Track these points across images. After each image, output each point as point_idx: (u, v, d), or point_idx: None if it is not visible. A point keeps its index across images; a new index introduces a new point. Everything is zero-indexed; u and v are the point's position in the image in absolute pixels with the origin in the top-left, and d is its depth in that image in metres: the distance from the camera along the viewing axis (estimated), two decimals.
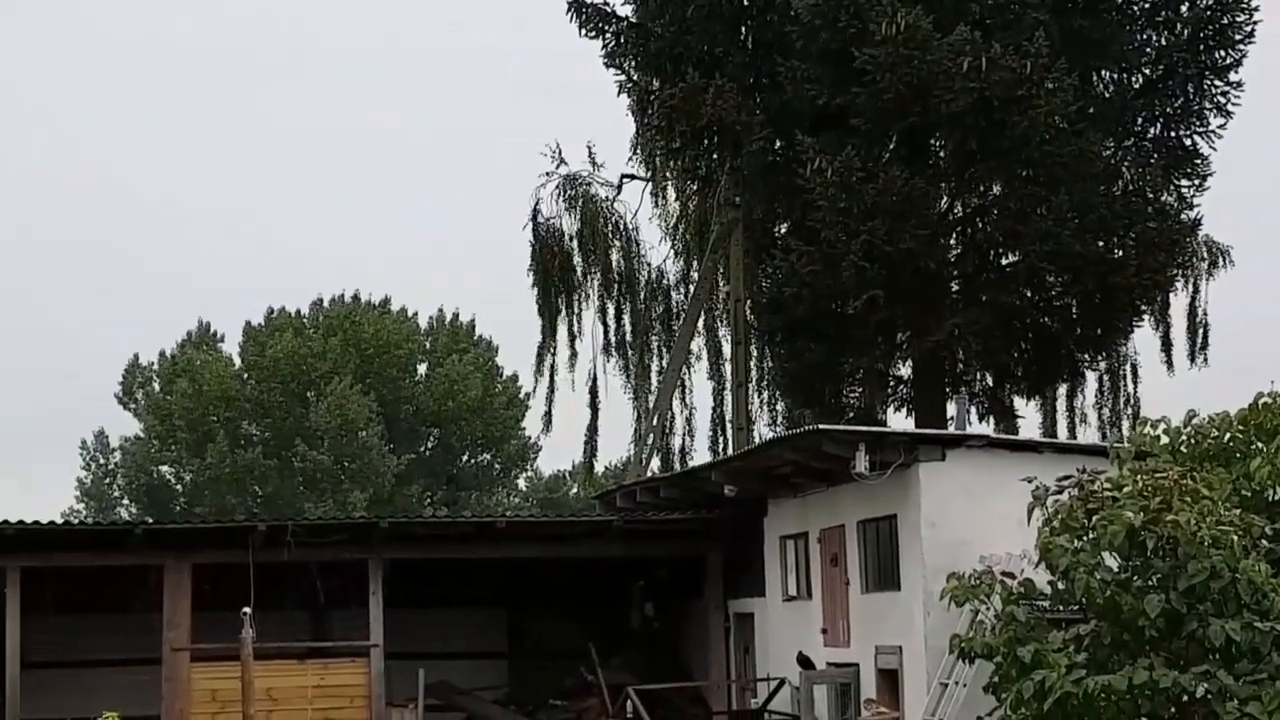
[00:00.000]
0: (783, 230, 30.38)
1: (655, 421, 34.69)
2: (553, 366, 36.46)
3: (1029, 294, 27.74)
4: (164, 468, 60.95)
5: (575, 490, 61.15)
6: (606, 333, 36.66)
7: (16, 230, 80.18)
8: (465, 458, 62.95)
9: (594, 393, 36.44)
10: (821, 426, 21.62)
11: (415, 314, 63.02)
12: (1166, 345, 33.94)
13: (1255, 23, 27.43)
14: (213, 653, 23.12)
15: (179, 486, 60.61)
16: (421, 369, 62.06)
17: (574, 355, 36.53)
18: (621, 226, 36.43)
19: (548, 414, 36.67)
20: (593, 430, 36.59)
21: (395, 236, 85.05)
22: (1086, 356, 29.89)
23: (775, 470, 22.85)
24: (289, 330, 59.70)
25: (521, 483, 65.51)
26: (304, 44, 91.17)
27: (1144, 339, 32.95)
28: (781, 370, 31.73)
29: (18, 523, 23.21)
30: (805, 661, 22.16)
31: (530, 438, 62.70)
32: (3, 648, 23.70)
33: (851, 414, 29.56)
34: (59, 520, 30.63)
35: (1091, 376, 32.66)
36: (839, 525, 22.13)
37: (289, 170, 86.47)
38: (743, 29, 30.05)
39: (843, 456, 20.04)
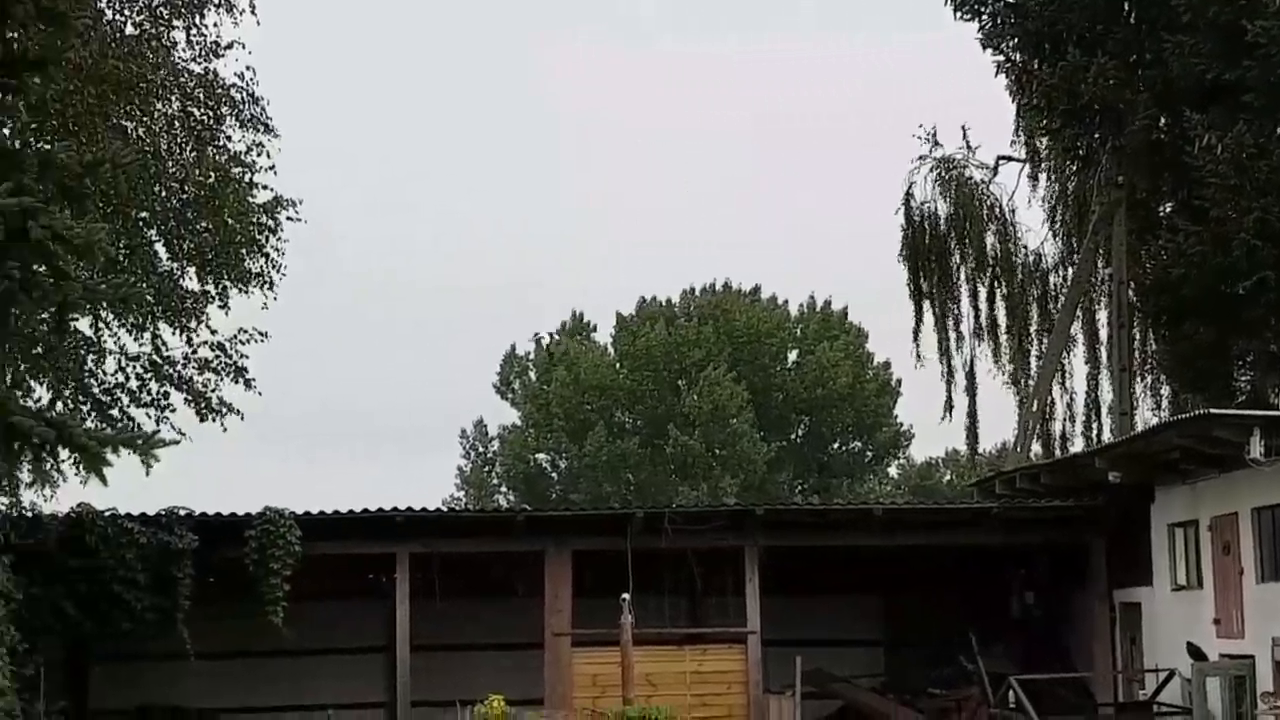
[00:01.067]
0: (1168, 209, 29.47)
1: (1035, 407, 33.96)
2: (923, 352, 36.11)
3: None
4: (540, 455, 62.58)
5: (948, 478, 60.41)
6: (978, 316, 36.13)
7: (401, 216, 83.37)
8: (836, 445, 62.77)
9: (971, 377, 35.97)
10: (1213, 411, 20.79)
11: (785, 301, 63.15)
12: None
13: None
14: (593, 638, 23.62)
15: (554, 474, 62.18)
16: (792, 356, 62.11)
17: (946, 340, 36.07)
18: (997, 209, 35.85)
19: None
20: (972, 416, 36.12)
21: (765, 224, 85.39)
22: None
23: (1163, 456, 22.16)
24: (660, 320, 60.59)
25: (893, 470, 64.96)
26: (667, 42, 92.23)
27: None
28: (1167, 353, 30.76)
29: (406, 510, 24.15)
30: (1196, 653, 21.42)
31: (903, 425, 62.25)
32: (394, 631, 24.75)
33: (1242, 398, 28.42)
34: (441, 508, 31.80)
35: None
36: (1232, 513, 21.40)
37: (658, 161, 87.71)
38: (1124, 5, 29.29)
39: (1235, 441, 19.31)
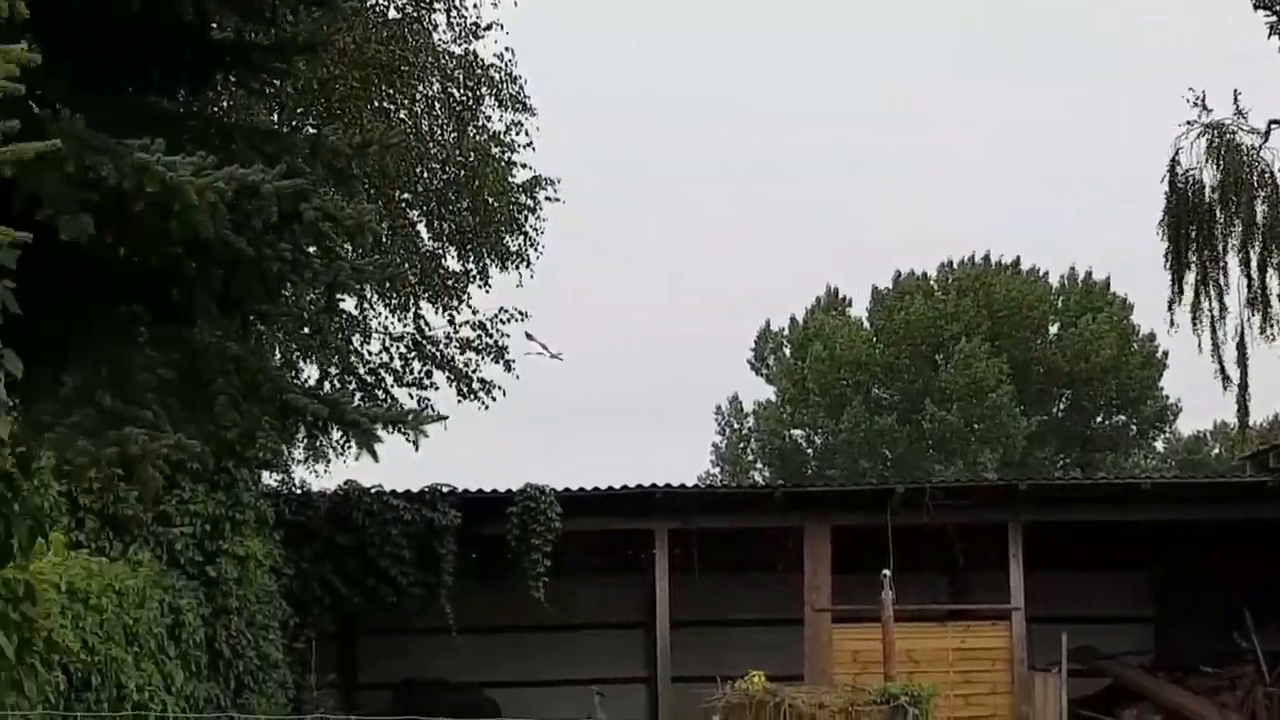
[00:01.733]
0: None
1: None
2: (1191, 321, 35.00)
3: None
4: (796, 431, 62.60)
5: (1217, 451, 58.70)
6: (1249, 286, 34.91)
7: (657, 196, 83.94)
8: (1099, 419, 61.46)
9: (1241, 348, 34.79)
10: None
11: (1046, 273, 61.97)
12: None
13: None
14: (853, 614, 23.54)
15: (809, 450, 62.13)
16: (1053, 329, 60.95)
17: (1212, 310, 34.95)
18: (1267, 175, 34.60)
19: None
20: (1242, 388, 34.92)
21: (1024, 195, 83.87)
22: None
23: None
24: (918, 293, 60.07)
25: (1159, 444, 63.33)
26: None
27: None
28: None
29: (665, 486, 24.37)
30: None
31: (1169, 398, 60.67)
32: (653, 607, 25.01)
33: None
34: (699, 484, 32.02)
35: None
36: None
37: (912, 132, 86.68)
38: None
39: None
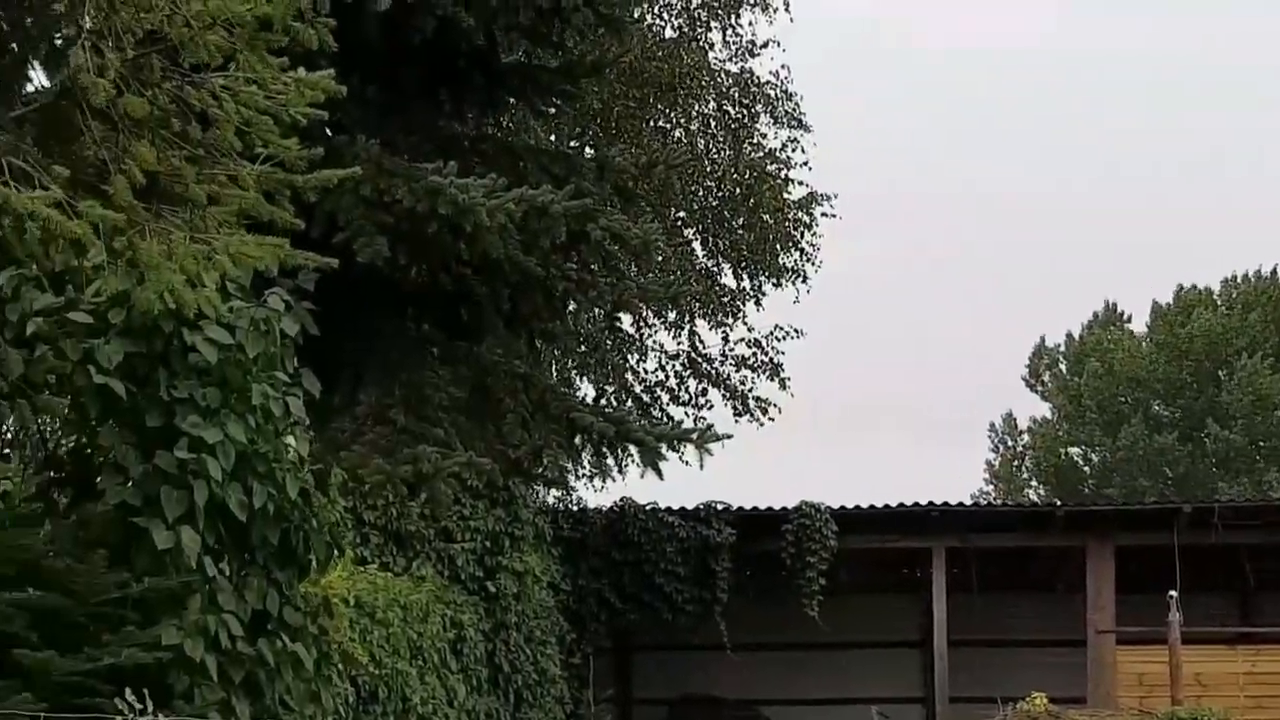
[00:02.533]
0: None
1: None
2: None
3: None
4: (1073, 449, 61.13)
5: None
6: None
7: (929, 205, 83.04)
8: None
9: None
10: None
11: None
12: None
13: None
14: (1138, 636, 22.83)
15: (1086, 468, 60.61)
16: None
17: None
18: None
19: None
20: None
21: None
22: None
23: None
24: (1201, 307, 58.18)
25: None
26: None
27: None
28: None
29: (942, 505, 24.01)
30: None
31: None
32: (930, 625, 24.63)
33: None
34: (973, 502, 31.47)
35: None
36: None
37: (1191, 147, 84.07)
38: None
39: None
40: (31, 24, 5.69)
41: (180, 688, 8.39)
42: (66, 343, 8.84)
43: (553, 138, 21.60)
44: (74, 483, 9.53)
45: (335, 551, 10.50)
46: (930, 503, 23.94)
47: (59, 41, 5.73)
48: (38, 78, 6.74)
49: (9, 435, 10.55)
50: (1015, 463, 64.51)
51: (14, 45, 5.98)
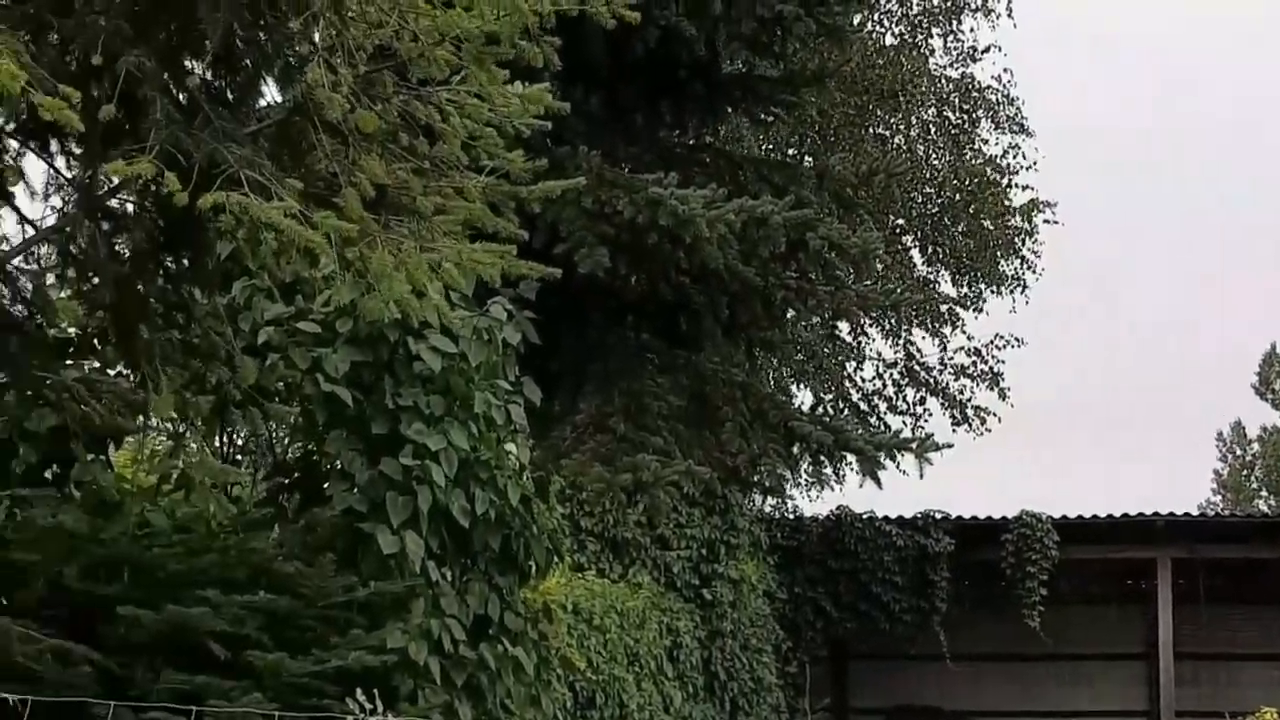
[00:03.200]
0: None
1: None
2: None
3: None
4: None
5: None
6: None
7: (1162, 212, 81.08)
8: None
9: None
10: None
11: None
12: None
13: None
14: None
15: None
16: None
17: None
18: None
19: None
20: None
21: None
22: None
23: None
24: None
25: None
26: None
27: None
28: None
29: (1167, 514, 23.38)
30: None
31: None
32: (1155, 638, 23.99)
33: None
34: (1199, 512, 30.60)
35: None
36: None
37: None
38: None
39: None
40: (265, 41, 5.79)
41: (405, 690, 8.51)
42: (296, 351, 9.04)
43: (770, 147, 21.52)
44: (302, 488, 9.74)
45: (555, 558, 10.57)
46: (1155, 513, 23.32)
47: (292, 59, 5.83)
48: (270, 94, 6.86)
49: (240, 441, 10.82)
50: (1245, 472, 62.62)
51: (248, 62, 6.09)
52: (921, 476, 12.22)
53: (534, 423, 10.47)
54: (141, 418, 8.42)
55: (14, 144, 6.83)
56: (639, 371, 12.96)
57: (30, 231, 7.03)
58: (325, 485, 9.35)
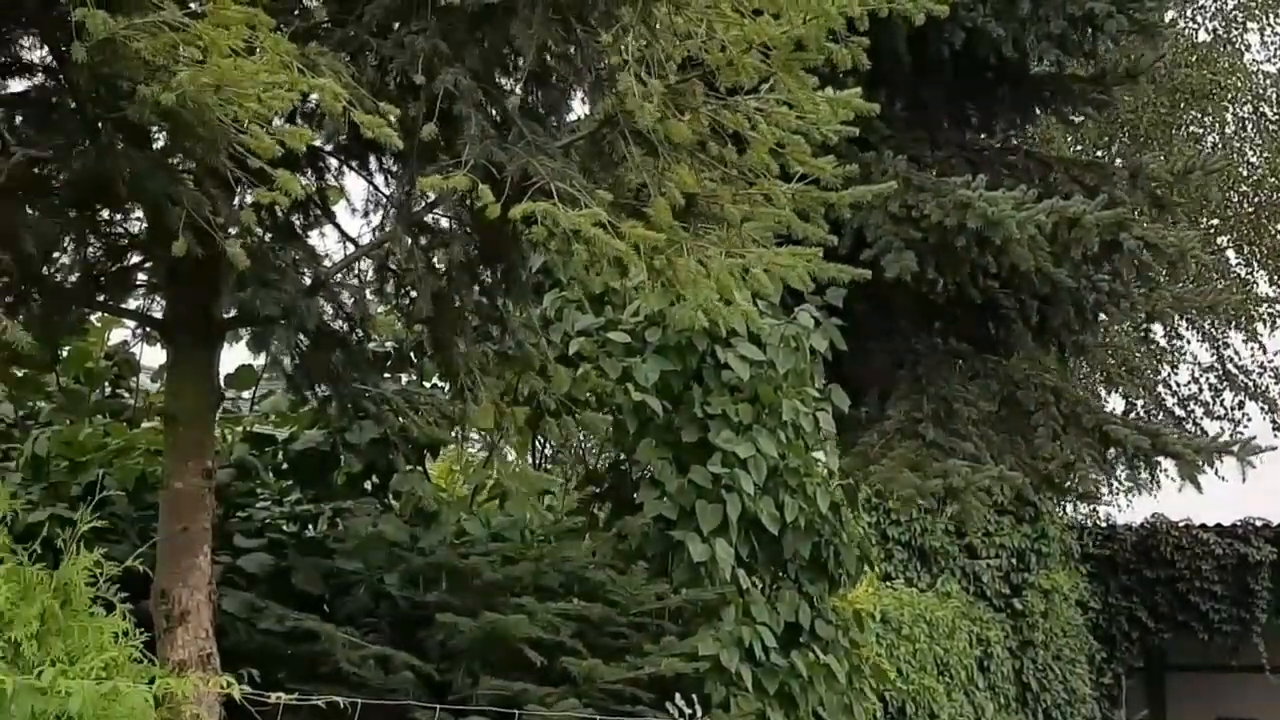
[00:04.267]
0: None
1: None
2: None
3: None
4: None
5: None
6: None
7: None
8: None
9: None
10: None
11: None
12: None
13: None
14: None
15: None
16: None
17: None
18: None
19: None
20: None
21: None
22: None
23: None
24: None
25: None
26: None
27: None
28: None
29: None
30: None
31: None
32: None
33: None
34: None
35: None
36: None
37: None
38: None
39: None
40: (577, 55, 5.79)
41: (717, 697, 8.47)
42: (606, 361, 9.09)
43: (1079, 147, 20.91)
44: (613, 497, 9.80)
45: (864, 565, 10.42)
46: None
47: (602, 71, 5.82)
48: (577, 108, 6.89)
49: (551, 451, 10.95)
50: None
51: (559, 77, 6.11)
52: (1244, 480, 11.67)
53: (842, 429, 10.34)
54: (458, 428, 8.55)
55: (334, 162, 7.01)
56: (948, 376, 12.69)
57: (350, 248, 7.21)
58: (635, 493, 9.39)
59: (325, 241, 7.75)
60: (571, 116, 6.78)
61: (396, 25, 5.95)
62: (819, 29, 5.47)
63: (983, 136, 13.79)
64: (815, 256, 5.98)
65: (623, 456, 9.92)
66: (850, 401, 10.54)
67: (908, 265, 11.23)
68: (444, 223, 6.55)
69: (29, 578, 4.79)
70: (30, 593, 4.71)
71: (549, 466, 10.70)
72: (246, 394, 9.56)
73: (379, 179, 7.11)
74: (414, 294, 6.45)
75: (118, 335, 9.51)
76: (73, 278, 6.86)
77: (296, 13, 6.11)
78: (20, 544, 5.11)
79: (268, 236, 6.42)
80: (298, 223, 6.74)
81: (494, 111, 5.88)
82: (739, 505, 8.96)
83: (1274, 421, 24.12)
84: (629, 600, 8.23)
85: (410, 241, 6.23)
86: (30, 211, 6.00)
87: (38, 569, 4.88)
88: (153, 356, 9.85)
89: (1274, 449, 12.19)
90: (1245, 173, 22.54)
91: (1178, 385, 24.61)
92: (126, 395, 9.68)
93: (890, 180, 10.18)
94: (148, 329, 7.11)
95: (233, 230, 5.60)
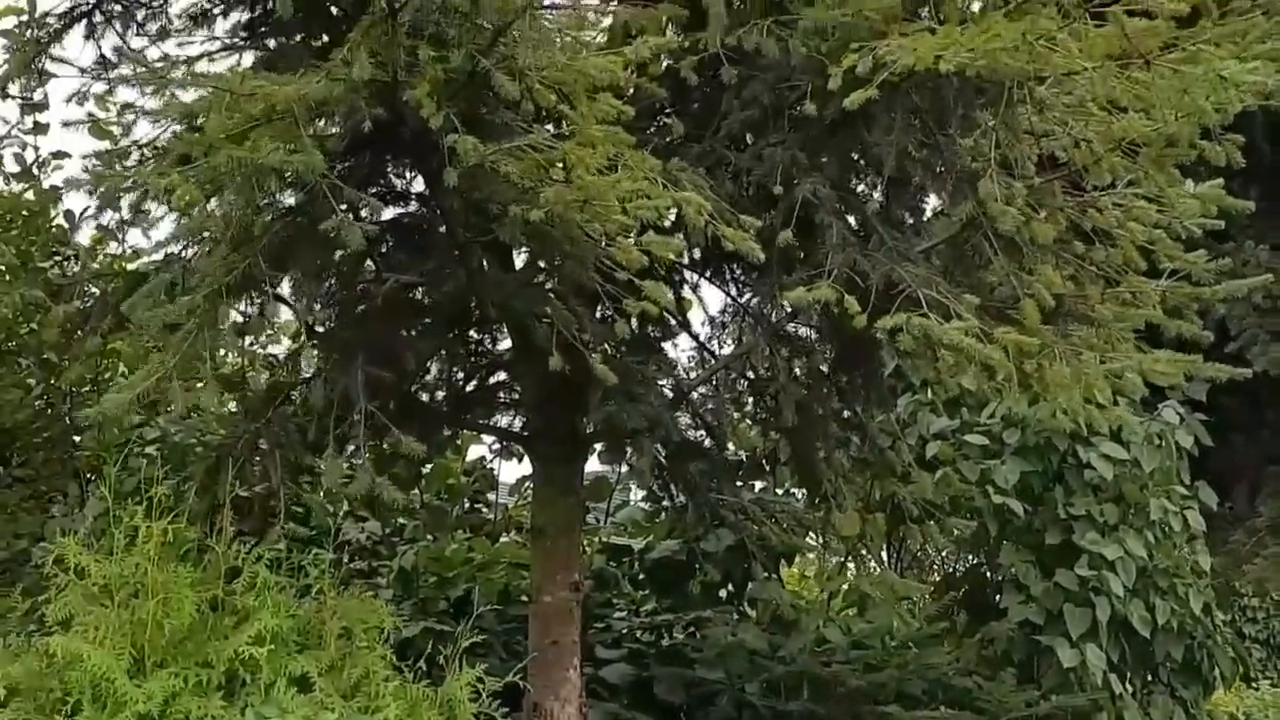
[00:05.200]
0: None
1: None
2: None
3: None
4: None
5: None
6: None
7: None
8: None
9: None
10: None
11: None
12: None
13: None
14: None
15: None
16: None
17: None
18: None
19: None
20: None
21: None
22: None
23: None
24: None
25: None
26: None
27: None
28: None
29: None
30: None
31: None
32: None
33: None
34: None
35: None
36: None
37: None
38: None
39: None
40: (935, 159, 5.66)
41: None
42: (964, 464, 8.87)
43: None
44: (973, 601, 9.54)
45: (1239, 667, 9.93)
46: None
47: (962, 174, 5.67)
48: (931, 207, 6.74)
49: (909, 556, 10.72)
50: None
51: (916, 178, 5.98)
52: None
53: (1210, 527, 9.88)
54: (817, 535, 8.43)
55: (690, 274, 7.01)
56: None
57: (705, 357, 7.19)
58: (997, 597, 9.13)
59: (678, 351, 7.77)
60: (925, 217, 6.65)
61: (752, 138, 5.92)
62: (1192, 125, 5.22)
63: None
64: (1194, 361, 5.69)
65: (981, 560, 9.66)
66: (1218, 498, 10.09)
67: (1275, 357, 10.69)
68: (803, 331, 6.48)
69: (415, 695, 4.84)
70: (418, 710, 4.76)
71: (907, 572, 10.46)
72: (602, 505, 9.64)
73: (732, 288, 7.09)
74: (773, 402, 6.38)
75: (474, 451, 9.76)
76: (441, 396, 7.03)
77: (653, 130, 6.15)
78: (399, 658, 5.19)
79: (625, 345, 6.44)
80: (654, 334, 6.75)
81: (853, 218, 5.79)
82: (1108, 608, 8.62)
83: None
84: (997, 708, 7.94)
85: (771, 351, 6.17)
86: (405, 334, 6.15)
87: (422, 686, 4.94)
88: (510, 471, 10.04)
89: None
90: None
91: None
92: (485, 510, 9.88)
93: (1259, 272, 9.71)
94: (512, 444, 7.22)
95: (596, 346, 5.63)
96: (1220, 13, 5.31)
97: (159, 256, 5.54)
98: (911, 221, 6.20)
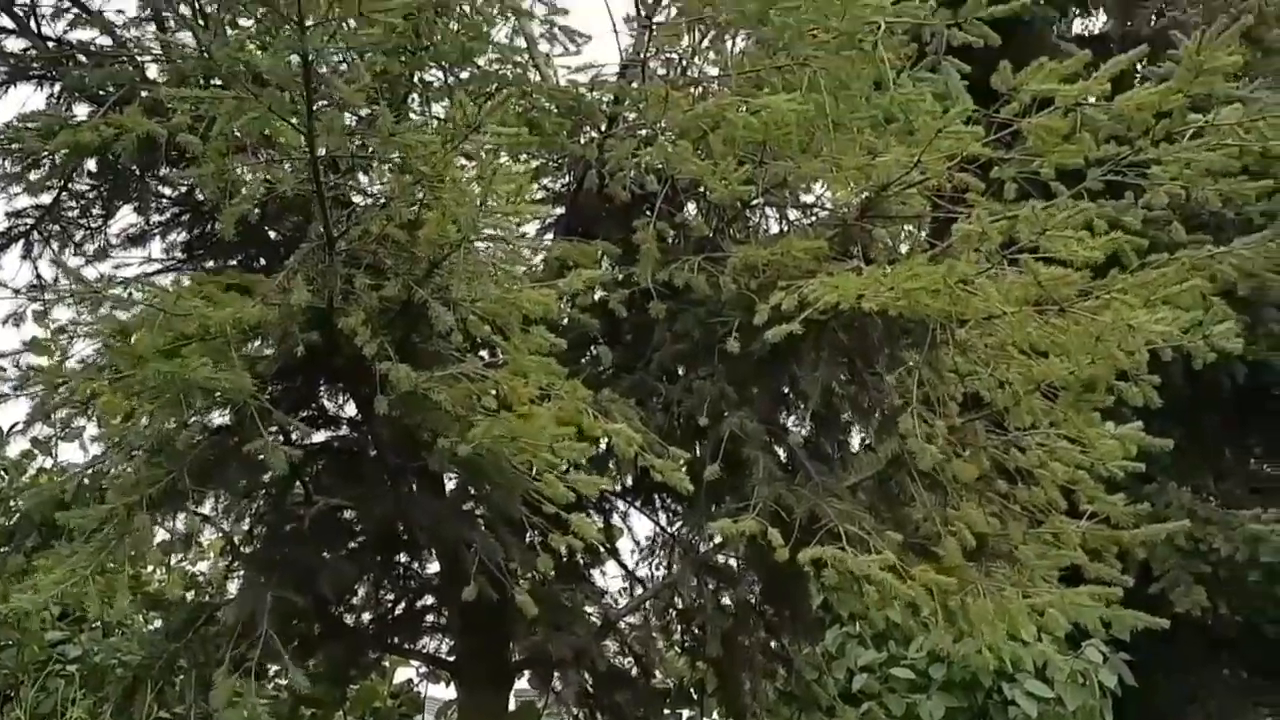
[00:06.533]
0: None
1: None
2: None
3: None
4: None
5: None
6: None
7: None
8: None
9: None
10: None
11: None
12: None
13: None
14: None
15: None
16: None
17: None
18: None
19: None
20: None
21: None
22: None
23: None
24: None
25: None
26: None
27: None
28: None
29: None
30: None
31: None
32: None
33: None
34: None
35: None
36: None
37: None
38: None
39: None
40: (861, 396, 5.70)
41: None
42: (890, 698, 8.76)
43: None
44: None
45: None
46: None
47: (887, 411, 5.71)
48: (859, 441, 6.76)
49: None
50: None
51: (844, 414, 6.02)
52: None
53: None
54: None
55: (620, 504, 6.98)
56: (1242, 711, 11.91)
57: (632, 586, 7.12)
58: None
59: (606, 579, 7.69)
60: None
61: (683, 370, 5.95)
62: (1107, 370, 5.28)
63: (1265, 468, 13.23)
64: (1115, 599, 5.66)
65: None
66: None
67: (1198, 600, 10.67)
68: (731, 562, 6.43)
69: None
70: None
71: None
72: None
73: (662, 517, 7.06)
74: (700, 632, 6.30)
75: (402, 674, 9.56)
76: (368, 618, 6.91)
77: (586, 360, 6.17)
78: None
79: (551, 575, 6.37)
80: (582, 561, 6.69)
81: (780, 452, 5.79)
82: None
83: None
84: None
85: (698, 582, 6.12)
86: (333, 555, 6.06)
87: None
88: (436, 694, 9.84)
89: None
90: None
91: None
92: None
93: (1179, 515, 9.75)
94: (437, 670, 7.08)
95: (523, 574, 5.56)
96: (1140, 263, 5.43)
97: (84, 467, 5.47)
98: (839, 456, 6.21)
